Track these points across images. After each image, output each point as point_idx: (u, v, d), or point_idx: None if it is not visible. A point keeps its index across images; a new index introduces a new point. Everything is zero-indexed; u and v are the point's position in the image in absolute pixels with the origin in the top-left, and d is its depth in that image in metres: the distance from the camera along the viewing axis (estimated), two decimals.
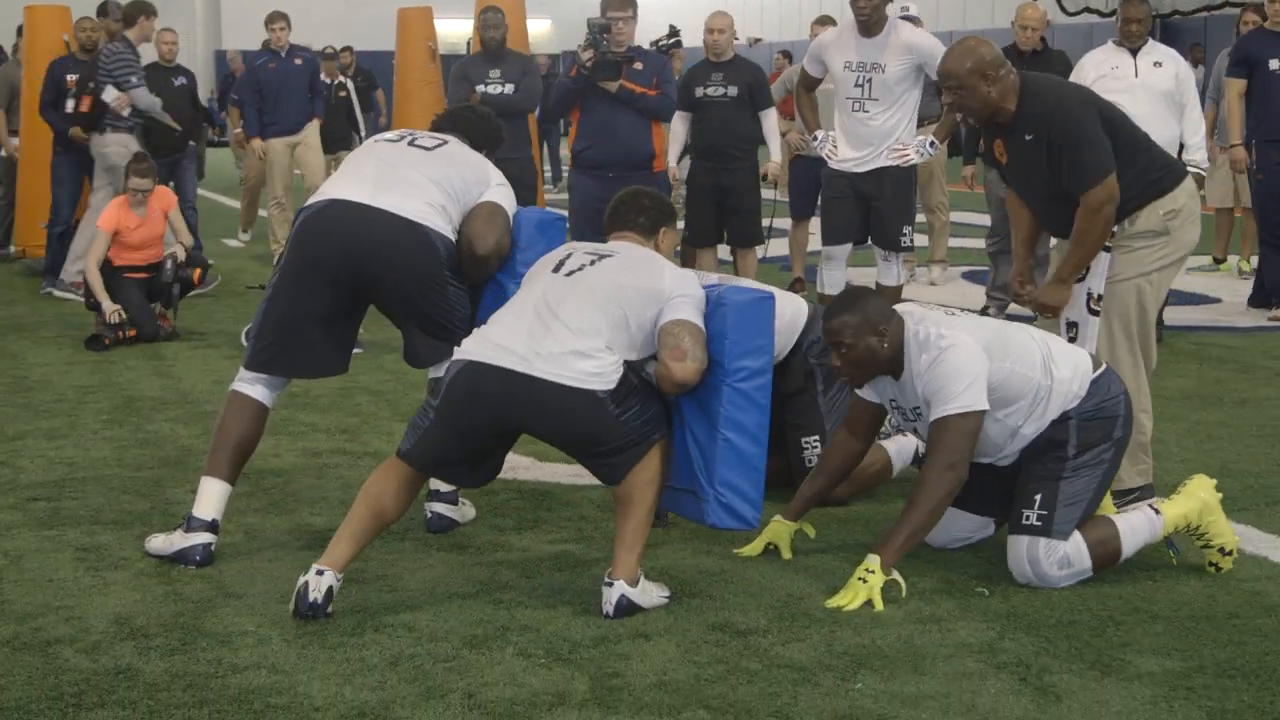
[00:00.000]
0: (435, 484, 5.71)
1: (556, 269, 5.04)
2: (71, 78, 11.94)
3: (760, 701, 4.21)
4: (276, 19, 13.63)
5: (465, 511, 5.86)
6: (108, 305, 9.79)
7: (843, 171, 8.99)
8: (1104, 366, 5.37)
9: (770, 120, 10.48)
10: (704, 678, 4.36)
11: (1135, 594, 5.05)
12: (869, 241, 9.24)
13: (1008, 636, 4.68)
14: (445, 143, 5.69)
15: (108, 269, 10.00)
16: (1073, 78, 9.97)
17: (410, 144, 5.64)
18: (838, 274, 9.22)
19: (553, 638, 4.66)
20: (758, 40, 35.97)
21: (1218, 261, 13.44)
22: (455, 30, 27.39)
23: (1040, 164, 5.79)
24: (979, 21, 25.93)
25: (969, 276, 12.92)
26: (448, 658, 4.50)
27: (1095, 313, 5.88)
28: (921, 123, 9.68)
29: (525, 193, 11.15)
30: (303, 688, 4.29)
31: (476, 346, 4.89)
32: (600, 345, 4.80)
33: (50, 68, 12.12)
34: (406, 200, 5.38)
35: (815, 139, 9.24)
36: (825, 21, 12.06)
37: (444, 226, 5.41)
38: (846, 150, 8.96)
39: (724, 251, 11.09)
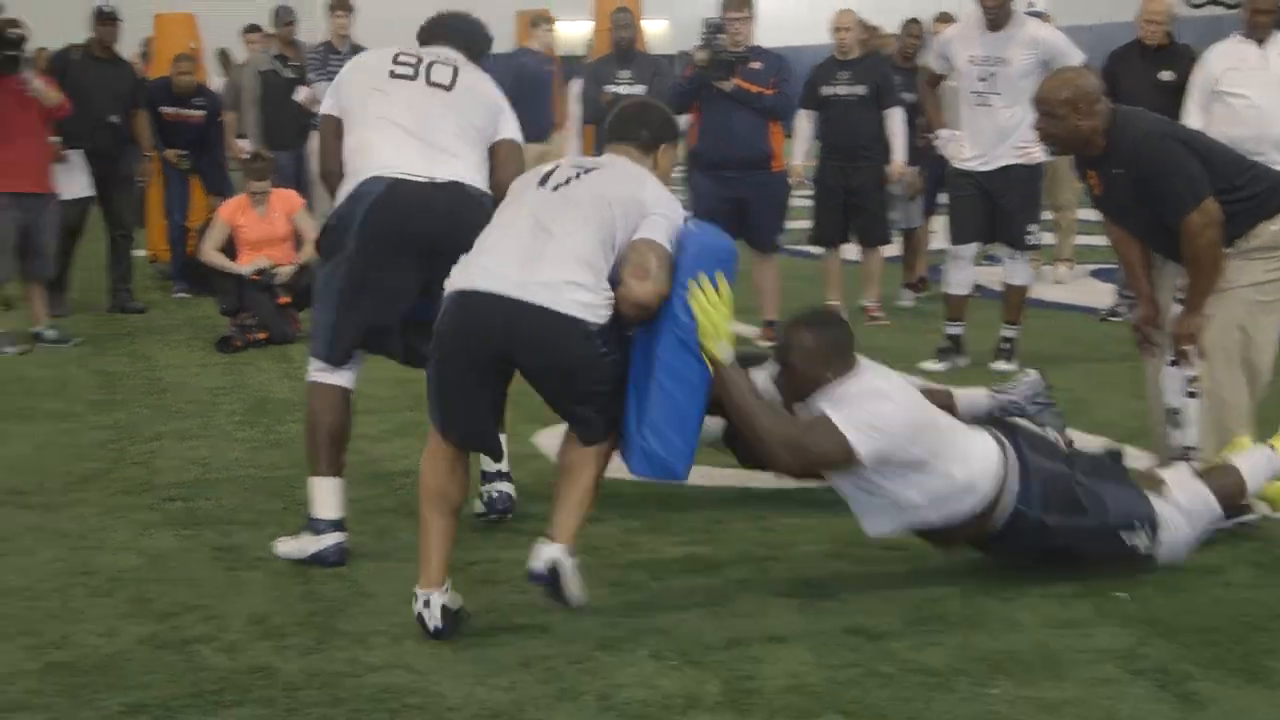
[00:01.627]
0: (487, 464, 5.72)
1: (543, 182, 4.87)
2: (169, 110, 12.15)
3: (894, 706, 4.17)
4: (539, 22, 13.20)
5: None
6: (245, 269, 10.07)
7: (968, 170, 8.92)
8: (1012, 461, 5.10)
9: (895, 119, 10.42)
10: (837, 681, 4.34)
11: (1278, 599, 4.95)
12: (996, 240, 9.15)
13: (1147, 642, 4.60)
14: (457, 70, 5.58)
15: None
16: (1196, 71, 9.80)
17: (429, 82, 5.51)
18: (965, 273, 9.14)
19: (685, 640, 4.65)
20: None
21: None
22: (572, 32, 27.49)
23: (1132, 197, 5.74)
24: (1105, 13, 25.55)
25: (1097, 274, 12.75)
26: (580, 659, 4.50)
27: (1194, 395, 5.79)
28: None
29: None
30: (437, 688, 4.32)
31: (464, 274, 4.74)
32: (592, 277, 4.64)
33: (148, 92, 12.25)
34: (455, 162, 5.38)
35: (938, 138, 9.18)
36: (945, 19, 11.96)
37: (482, 181, 5.46)
38: (971, 148, 8.88)
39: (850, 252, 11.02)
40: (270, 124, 12.51)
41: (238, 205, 10.45)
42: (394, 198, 5.31)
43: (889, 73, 10.71)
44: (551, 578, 4.64)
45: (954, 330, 9.12)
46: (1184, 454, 5.77)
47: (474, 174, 5.42)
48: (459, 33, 5.80)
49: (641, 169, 4.95)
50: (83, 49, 11.64)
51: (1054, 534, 5.06)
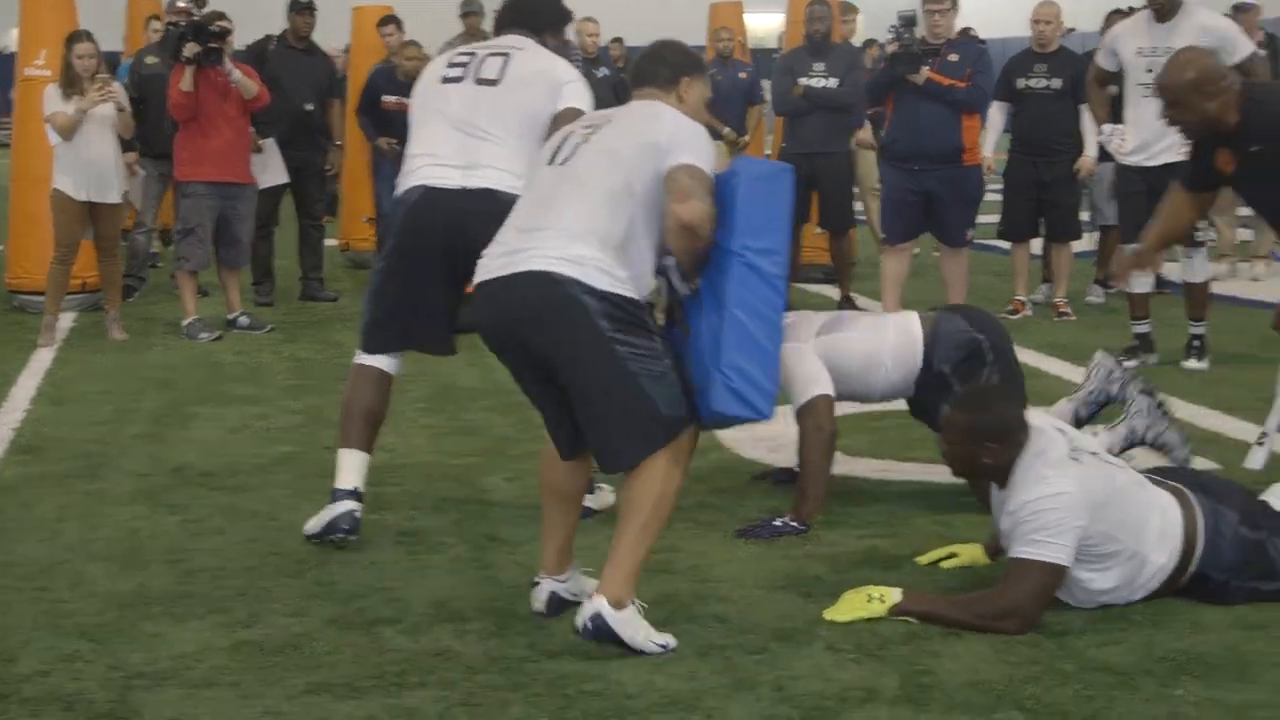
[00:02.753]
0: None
1: (552, 158, 4.70)
2: (390, 100, 11.94)
3: (1075, 704, 4.11)
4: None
5: (603, 498, 5.79)
6: None
7: (1135, 166, 8.73)
8: (1200, 531, 4.86)
9: (1088, 115, 10.26)
10: (1017, 678, 4.28)
11: None
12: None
13: None
14: (508, 57, 5.55)
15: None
16: None
17: (478, 81, 5.49)
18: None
19: (862, 633, 4.63)
20: (1071, 30, 35.25)
21: None
22: (764, 24, 27.45)
23: (1273, 173, 5.57)
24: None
25: None
26: (757, 650, 4.50)
27: None
28: None
29: (842, 186, 11.14)
30: (614, 675, 4.34)
31: (476, 272, 4.68)
32: (593, 248, 4.43)
33: (371, 76, 12.39)
34: (492, 170, 5.36)
35: (1103, 133, 9.03)
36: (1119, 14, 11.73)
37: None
38: (1133, 139, 8.69)
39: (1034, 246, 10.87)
40: None
41: None
42: (426, 205, 5.46)
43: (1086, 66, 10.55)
44: (597, 634, 4.46)
45: (1141, 329, 8.94)
46: (1258, 438, 5.65)
47: (517, 165, 5.32)
48: (524, 12, 5.77)
49: (658, 105, 4.72)
50: (279, 39, 11.89)
51: (1240, 592, 4.85)
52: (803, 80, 10.56)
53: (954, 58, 9.39)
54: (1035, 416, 5.01)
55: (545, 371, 4.57)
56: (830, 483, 6.08)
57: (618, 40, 19.42)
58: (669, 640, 4.53)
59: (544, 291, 4.44)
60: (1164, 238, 6.19)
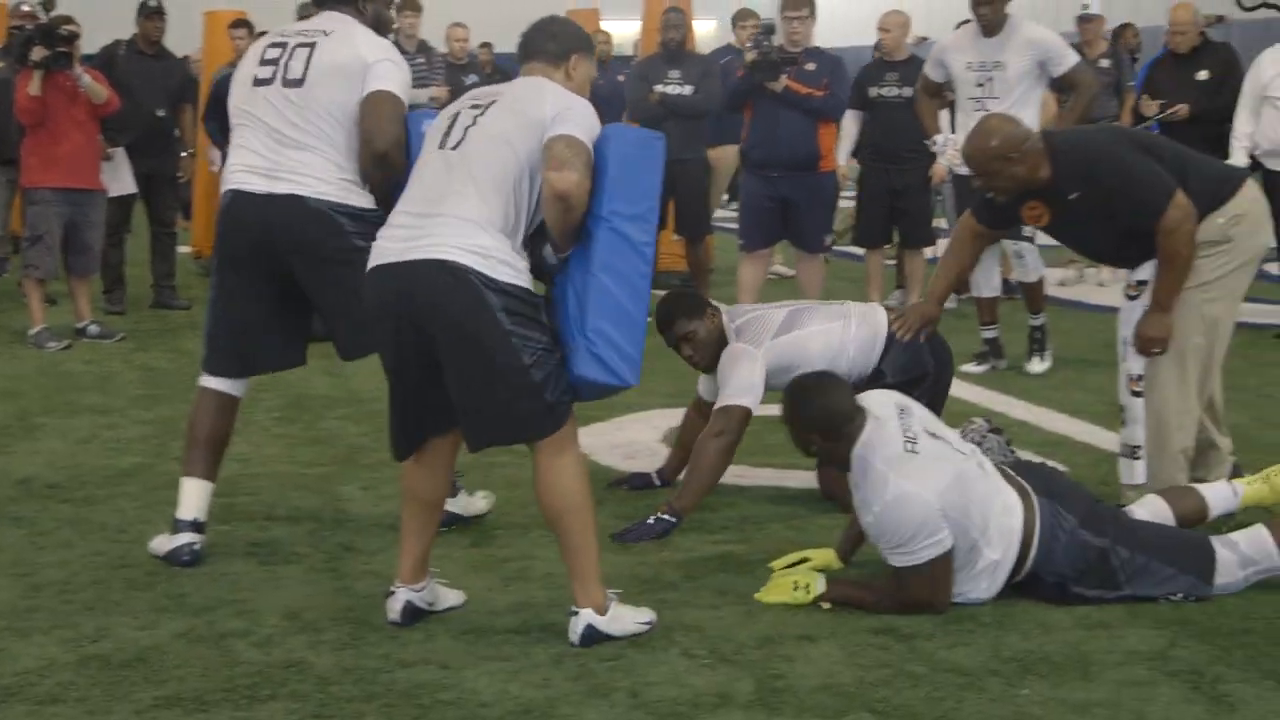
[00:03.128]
0: None
1: (443, 141, 4.67)
2: None
3: (925, 706, 4.17)
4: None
5: (472, 504, 5.81)
6: None
7: (967, 175, 8.86)
8: (1036, 536, 4.94)
9: (942, 123, 10.40)
10: (868, 681, 4.34)
11: None
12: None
13: (1179, 644, 4.59)
14: (314, 47, 5.37)
15: None
16: (1250, 75, 9.83)
17: (285, 82, 5.35)
18: (990, 276, 9.12)
19: (717, 639, 4.66)
20: (924, 39, 35.75)
21: None
22: (619, 31, 27.50)
23: (1094, 217, 5.69)
24: (1156, 17, 25.48)
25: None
26: (612, 657, 4.51)
27: (1131, 298, 5.77)
28: (1093, 123, 9.46)
29: (698, 193, 11.20)
30: (469, 684, 4.34)
31: (371, 255, 4.66)
32: (487, 229, 4.47)
33: (217, 81, 12.21)
34: (300, 173, 5.28)
35: (934, 143, 9.17)
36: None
37: (337, 185, 5.28)
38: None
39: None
40: None
41: None
42: (235, 210, 5.40)
43: None
44: (599, 640, 4.59)
45: (989, 334, 9.09)
46: (1130, 452, 5.78)
47: (324, 178, 5.27)
48: None
49: (543, 82, 4.73)
50: (128, 44, 11.71)
51: (1082, 599, 4.94)
52: (658, 87, 10.59)
53: (811, 66, 9.48)
54: (874, 399, 5.11)
55: (430, 359, 4.56)
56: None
57: (486, 45, 19.39)
58: (650, 615, 4.72)
59: (445, 281, 4.45)
60: (951, 285, 6.35)
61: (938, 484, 4.81)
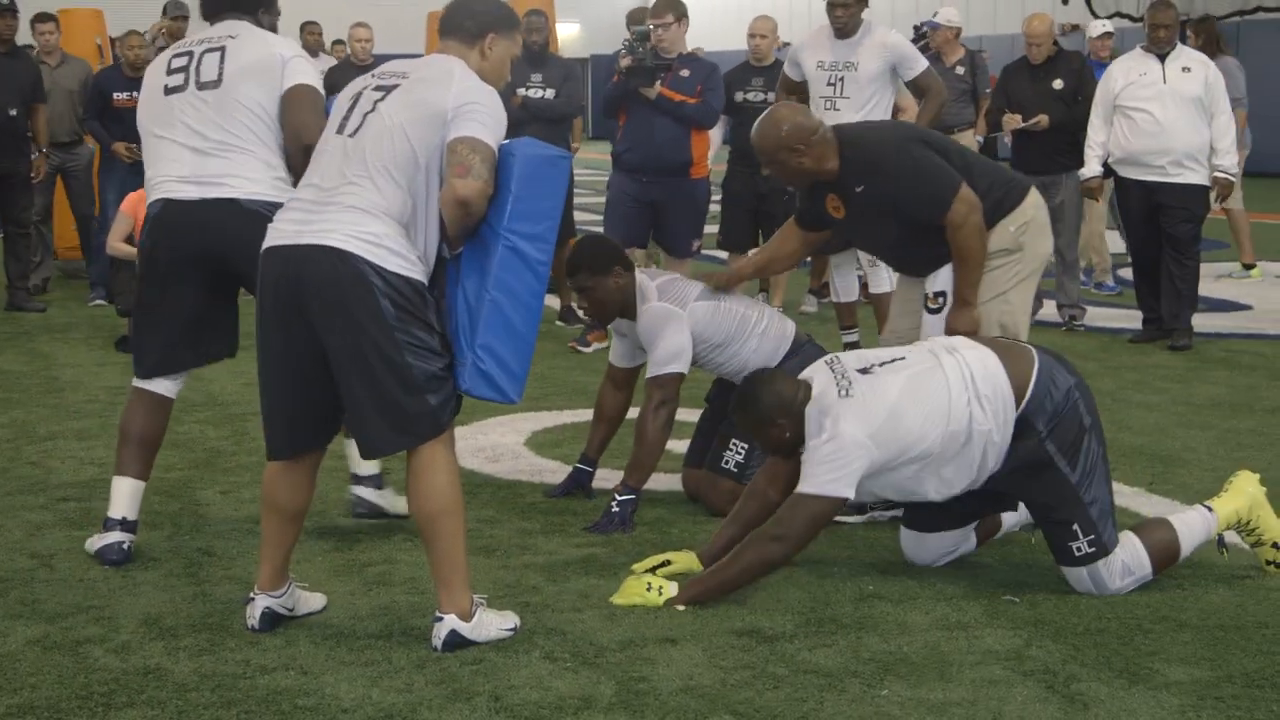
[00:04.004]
0: (357, 467, 5.73)
1: (341, 126, 4.64)
2: (121, 96, 11.57)
3: (786, 707, 4.20)
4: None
5: (395, 501, 5.79)
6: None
7: None
8: (1034, 373, 5.06)
9: None
10: (730, 683, 4.36)
11: (1163, 602, 5.03)
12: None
13: (1035, 644, 4.66)
14: (224, 51, 5.39)
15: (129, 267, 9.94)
16: (1101, 84, 10.02)
17: (199, 85, 5.35)
18: (848, 280, 9.24)
19: (579, 641, 4.66)
20: (787, 44, 36.05)
21: (1247, 267, 13.38)
22: None
23: (880, 211, 5.76)
24: (1011, 25, 25.88)
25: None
26: (474, 660, 4.50)
27: (933, 311, 5.87)
28: (950, 130, 9.64)
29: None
30: (330, 689, 4.30)
31: (267, 235, 4.64)
32: (380, 217, 4.46)
33: (96, 79, 12.03)
34: (231, 176, 5.28)
35: None
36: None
37: (269, 188, 5.31)
38: None
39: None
40: None
41: (139, 199, 10.21)
42: (165, 219, 5.37)
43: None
44: (462, 645, 4.56)
45: (850, 338, 9.20)
46: None
47: (256, 179, 5.31)
48: None
49: (452, 65, 4.66)
50: None
51: (1050, 459, 5.00)
52: (520, 90, 10.60)
53: (685, 73, 9.54)
54: (809, 368, 5.23)
55: (313, 348, 4.53)
56: (549, 492, 6.16)
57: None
58: (514, 621, 4.72)
59: (334, 267, 4.43)
60: (762, 267, 6.61)
61: (871, 423, 4.93)
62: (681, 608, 4.90)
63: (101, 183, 11.99)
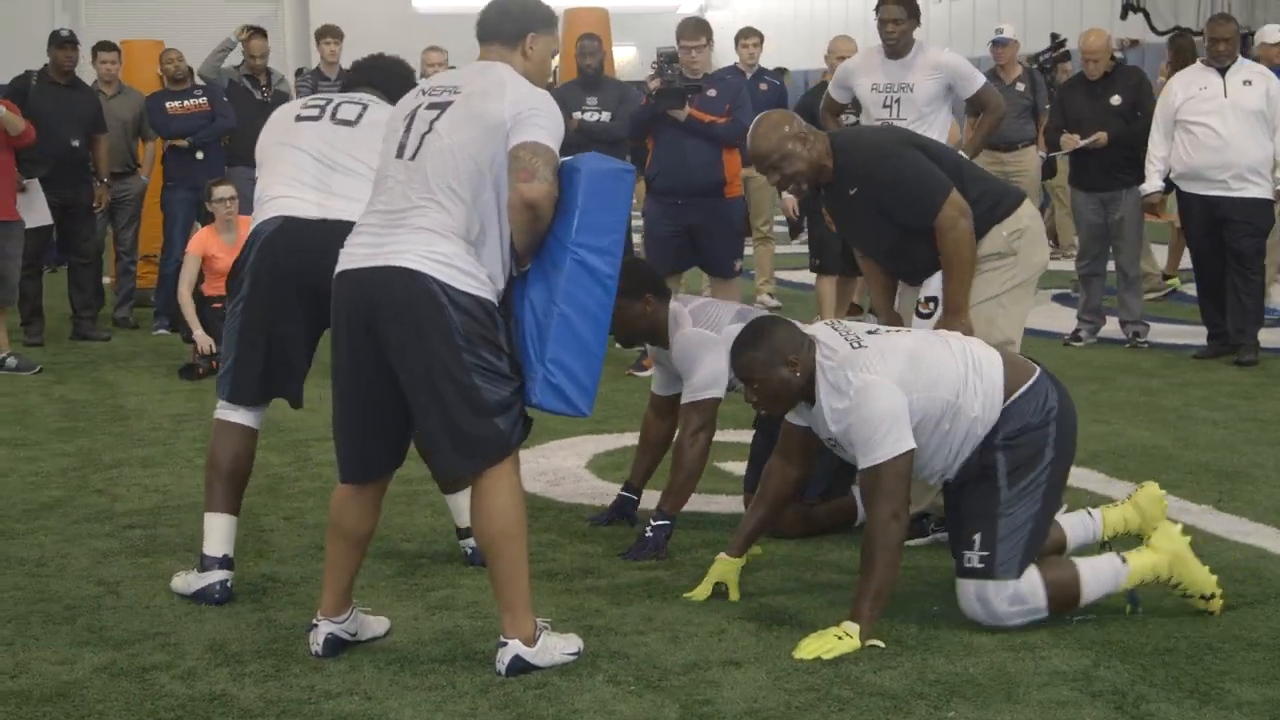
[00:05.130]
0: (463, 520, 5.61)
1: (400, 151, 4.65)
2: (174, 105, 11.92)
3: None
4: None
5: None
6: (199, 335, 9.83)
7: None
8: (1032, 379, 5.07)
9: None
10: (795, 706, 4.34)
11: (1233, 621, 4.97)
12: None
13: (1103, 664, 4.62)
14: (365, 107, 5.51)
15: (198, 299, 10.03)
16: (1161, 99, 9.96)
17: (335, 120, 5.47)
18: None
19: (643, 665, 4.65)
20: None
21: None
22: None
23: (872, 214, 5.74)
24: (1069, 42, 25.81)
25: (1059, 299, 12.81)
26: (538, 685, 4.50)
27: (923, 315, 5.83)
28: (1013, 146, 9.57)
29: None
30: (394, 714, 4.31)
31: (339, 260, 4.67)
32: (451, 238, 4.49)
33: (149, 100, 12.21)
34: (352, 203, 5.18)
35: None
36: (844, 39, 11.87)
37: None
38: None
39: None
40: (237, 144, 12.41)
41: (206, 236, 10.26)
42: (283, 236, 5.33)
43: None
44: (526, 670, 4.56)
45: None
46: None
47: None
48: (378, 73, 5.75)
49: (502, 74, 4.66)
50: (40, 75, 11.62)
51: (981, 478, 4.95)
52: (576, 114, 10.62)
53: (713, 93, 9.53)
54: (808, 327, 5.19)
55: (385, 372, 4.57)
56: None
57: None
58: (578, 644, 4.71)
59: (406, 287, 4.46)
60: (883, 303, 6.31)
61: (892, 368, 4.89)
62: (875, 643, 4.77)
63: (167, 211, 12.11)
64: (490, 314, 4.53)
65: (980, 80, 8.56)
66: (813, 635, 4.79)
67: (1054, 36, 10.39)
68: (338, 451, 4.78)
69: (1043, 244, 6.01)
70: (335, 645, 4.74)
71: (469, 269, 4.50)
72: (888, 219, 5.73)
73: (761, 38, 12.44)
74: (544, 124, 4.56)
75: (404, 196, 4.58)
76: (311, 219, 5.30)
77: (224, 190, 10.07)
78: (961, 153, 8.24)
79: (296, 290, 5.30)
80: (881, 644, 4.76)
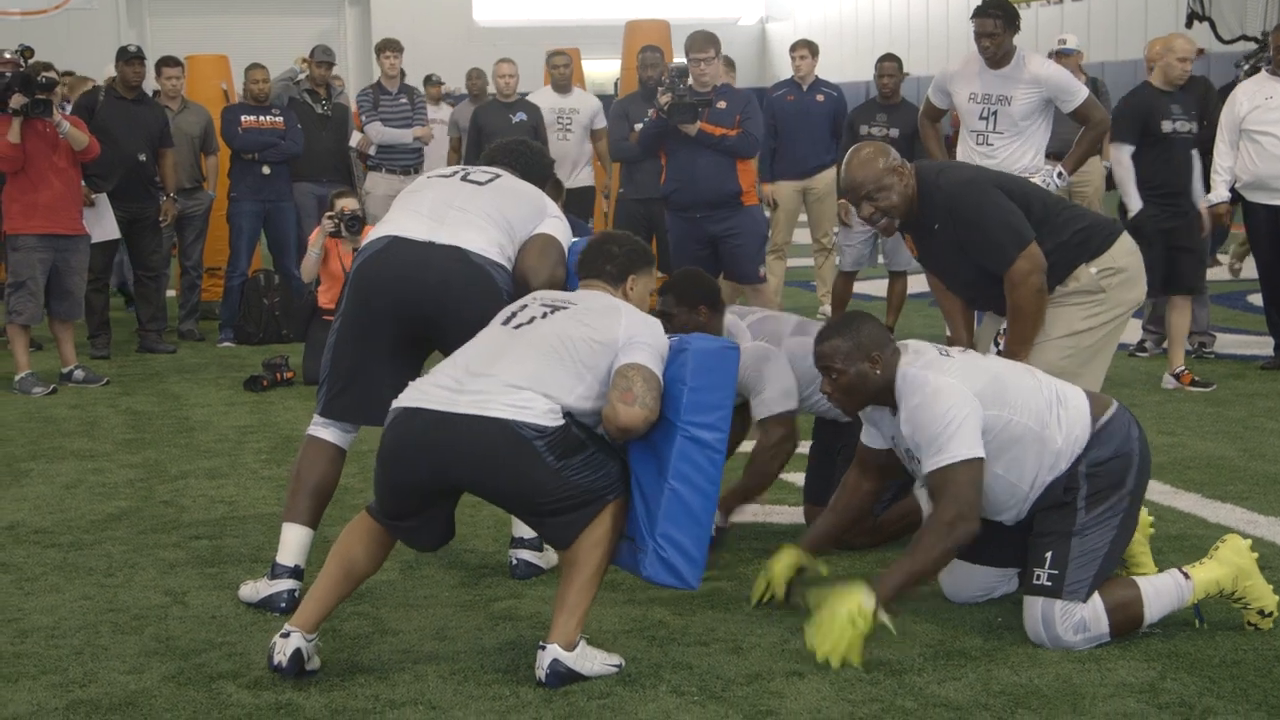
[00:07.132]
0: (518, 530, 5.68)
1: (507, 320, 4.85)
2: (249, 119, 12.23)
3: None
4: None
5: (549, 558, 5.75)
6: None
7: None
8: (1112, 409, 5.02)
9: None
10: (858, 716, 4.33)
11: None
12: None
13: (1169, 676, 4.59)
14: (498, 176, 5.59)
15: (310, 309, 10.12)
16: (1226, 109, 9.86)
17: (464, 179, 5.55)
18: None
19: (706, 675, 4.65)
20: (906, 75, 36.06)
21: None
22: (602, 70, 27.62)
23: (954, 251, 5.73)
24: (1133, 51, 25.65)
25: None
26: (602, 695, 4.51)
27: (1000, 350, 5.80)
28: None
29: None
30: None
31: (408, 394, 4.71)
32: (535, 392, 4.56)
33: (224, 113, 12.42)
34: (465, 233, 5.28)
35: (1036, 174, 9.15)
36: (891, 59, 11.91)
37: (501, 260, 5.32)
38: None
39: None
40: (299, 160, 12.51)
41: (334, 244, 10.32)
42: (388, 253, 5.33)
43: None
44: (569, 679, 4.58)
45: None
46: None
47: (488, 248, 5.31)
48: (517, 155, 5.82)
49: (615, 302, 4.91)
50: (108, 90, 11.74)
51: (1064, 502, 4.90)
52: (638, 126, 10.65)
53: (722, 105, 9.54)
54: (900, 342, 5.16)
55: (454, 495, 4.76)
56: None
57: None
58: (620, 660, 4.72)
59: (491, 437, 4.51)
60: (958, 327, 6.26)
61: (974, 382, 4.86)
62: (889, 618, 4.73)
63: (232, 224, 12.27)
64: (567, 429, 4.57)
65: (1082, 95, 8.35)
66: (825, 612, 4.70)
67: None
68: (378, 494, 4.79)
69: (1136, 284, 5.91)
70: (298, 661, 4.66)
71: (552, 409, 4.57)
72: (968, 257, 5.73)
73: (814, 49, 12.43)
74: (654, 348, 4.71)
75: (501, 350, 4.70)
76: (418, 240, 5.32)
77: (348, 203, 10.26)
78: (1059, 173, 8.16)
79: (390, 305, 5.30)
80: (893, 629, 4.73)
